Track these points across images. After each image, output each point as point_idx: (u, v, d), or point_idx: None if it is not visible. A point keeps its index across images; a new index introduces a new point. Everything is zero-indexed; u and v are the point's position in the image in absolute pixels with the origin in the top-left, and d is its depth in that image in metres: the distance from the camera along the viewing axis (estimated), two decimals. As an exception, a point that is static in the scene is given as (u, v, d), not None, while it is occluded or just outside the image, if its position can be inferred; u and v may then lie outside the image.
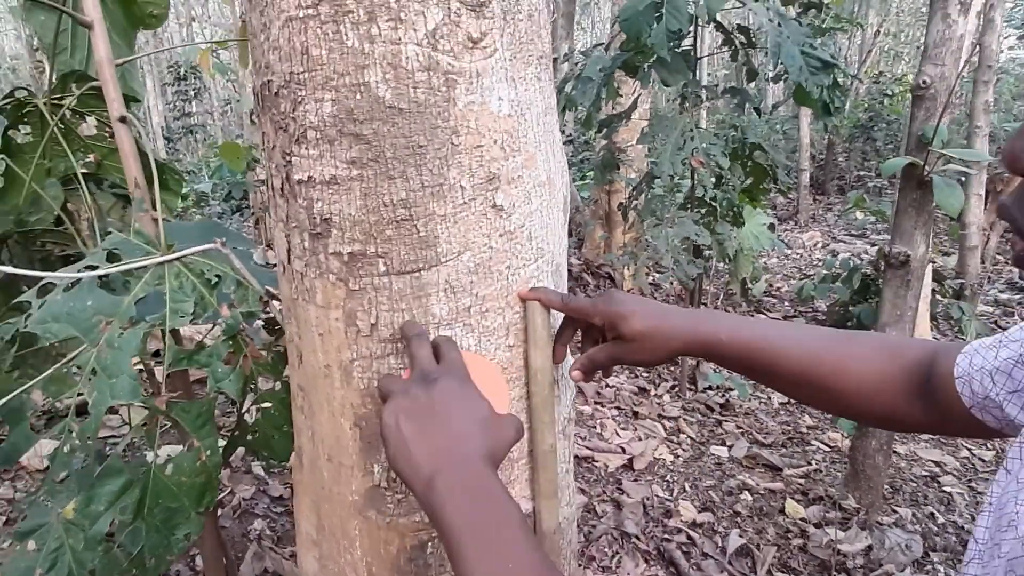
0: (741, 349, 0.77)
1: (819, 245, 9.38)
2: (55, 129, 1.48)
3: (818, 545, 2.57)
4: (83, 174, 1.54)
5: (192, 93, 12.62)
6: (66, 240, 1.43)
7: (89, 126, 1.76)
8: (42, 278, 0.88)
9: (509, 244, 0.80)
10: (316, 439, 0.88)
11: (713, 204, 3.71)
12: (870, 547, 2.57)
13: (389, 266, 0.75)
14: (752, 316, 5.72)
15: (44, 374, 0.91)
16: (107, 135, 1.60)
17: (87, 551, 1.15)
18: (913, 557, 2.54)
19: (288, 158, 0.77)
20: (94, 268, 0.92)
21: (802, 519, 2.75)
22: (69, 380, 0.89)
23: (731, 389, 4.17)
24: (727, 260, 4.29)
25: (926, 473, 3.33)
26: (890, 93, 12.23)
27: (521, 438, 0.74)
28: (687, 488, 2.97)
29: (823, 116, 3.25)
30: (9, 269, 0.90)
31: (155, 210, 1.08)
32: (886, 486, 2.99)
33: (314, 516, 0.98)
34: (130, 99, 1.40)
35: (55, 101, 1.49)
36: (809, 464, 3.28)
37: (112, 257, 0.96)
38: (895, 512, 2.87)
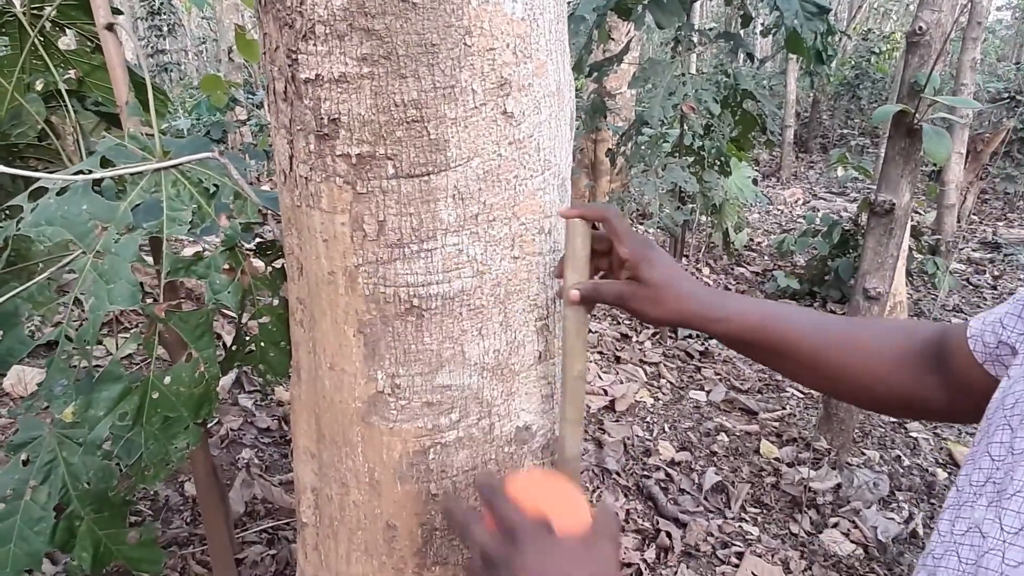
0: (755, 325, 0.75)
1: (800, 202, 9.45)
2: (35, 41, 1.42)
3: (790, 483, 2.67)
4: (64, 90, 1.49)
5: (166, 28, 12.13)
6: (49, 156, 1.39)
7: (70, 40, 1.69)
8: (35, 179, 0.85)
9: (518, 153, 0.80)
10: (317, 349, 0.88)
11: (701, 152, 3.70)
12: (839, 485, 2.67)
13: (398, 168, 0.74)
14: (733, 268, 5.78)
15: (37, 279, 0.89)
16: (88, 50, 1.54)
17: (81, 464, 1.15)
18: (880, 495, 2.65)
19: (294, 56, 0.75)
20: (88, 173, 0.89)
21: (776, 459, 2.85)
22: (62, 287, 0.87)
23: (710, 338, 4.24)
24: (711, 210, 4.30)
25: (894, 420, 3.45)
26: (877, 51, 12.18)
27: (616, 540, 0.67)
28: (666, 429, 3.04)
29: (816, 64, 3.22)
30: (6, 169, 0.87)
31: (147, 120, 1.05)
32: (856, 430, 3.09)
33: (313, 428, 0.99)
34: (115, 11, 1.35)
35: (35, 11, 1.43)
36: (784, 409, 3.38)
37: (105, 164, 0.94)
38: (864, 454, 2.98)
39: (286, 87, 0.79)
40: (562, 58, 0.85)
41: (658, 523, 2.37)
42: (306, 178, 0.80)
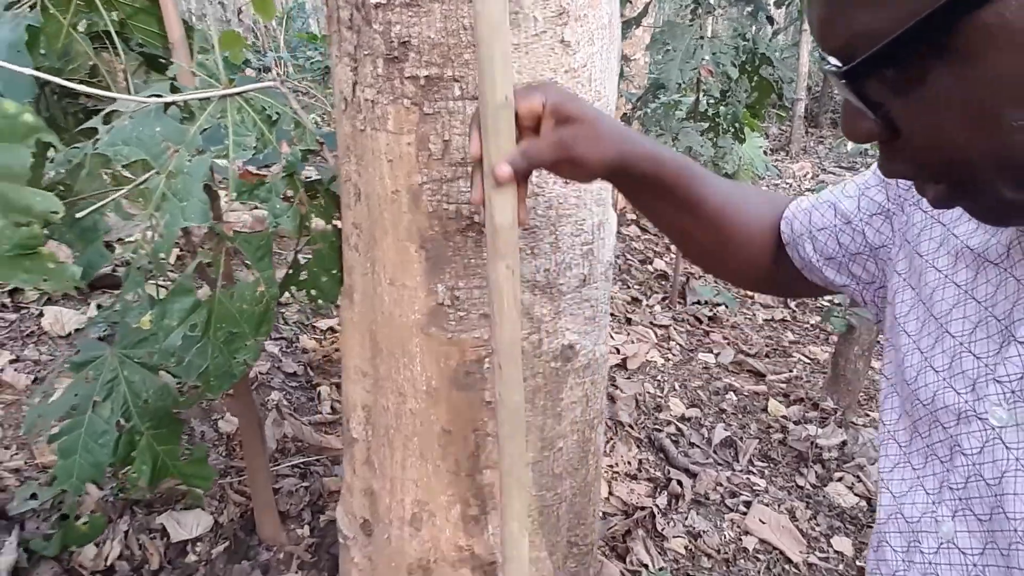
0: (680, 168, 0.69)
1: (809, 176, 9.43)
2: (82, -18, 1.46)
3: (797, 439, 2.74)
4: (107, 32, 1.53)
5: (173, -11, 11.98)
6: (99, 95, 1.43)
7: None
8: (113, 99, 0.90)
9: (572, 81, 0.84)
10: (376, 268, 0.94)
11: (716, 119, 3.72)
12: (844, 443, 2.75)
13: (464, 90, 0.79)
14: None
15: (114, 195, 0.95)
16: (131, -7, 1.58)
17: (142, 381, 1.22)
18: (883, 453, 2.72)
19: (365, -17, 0.79)
20: (159, 97, 0.94)
21: (783, 416, 2.92)
22: (141, 200, 0.93)
23: (719, 304, 4.30)
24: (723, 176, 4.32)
25: (898, 386, 3.51)
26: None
27: None
28: (676, 387, 3.12)
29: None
30: (85, 89, 0.92)
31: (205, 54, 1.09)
32: (862, 392, 3.16)
33: (366, 347, 1.06)
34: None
35: (82, -48, 1.46)
36: (790, 372, 3.45)
37: (173, 90, 0.99)
38: (868, 415, 3.05)
39: (352, 14, 0.83)
40: (613, -8, 0.89)
41: (669, 473, 2.45)
42: (372, 101, 0.85)
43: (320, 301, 1.11)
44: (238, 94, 0.97)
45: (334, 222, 1.09)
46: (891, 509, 0.58)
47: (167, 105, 0.95)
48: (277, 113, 0.99)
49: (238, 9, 8.93)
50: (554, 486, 1.02)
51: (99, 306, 2.23)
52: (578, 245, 0.92)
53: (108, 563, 1.54)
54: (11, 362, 1.94)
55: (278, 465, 1.90)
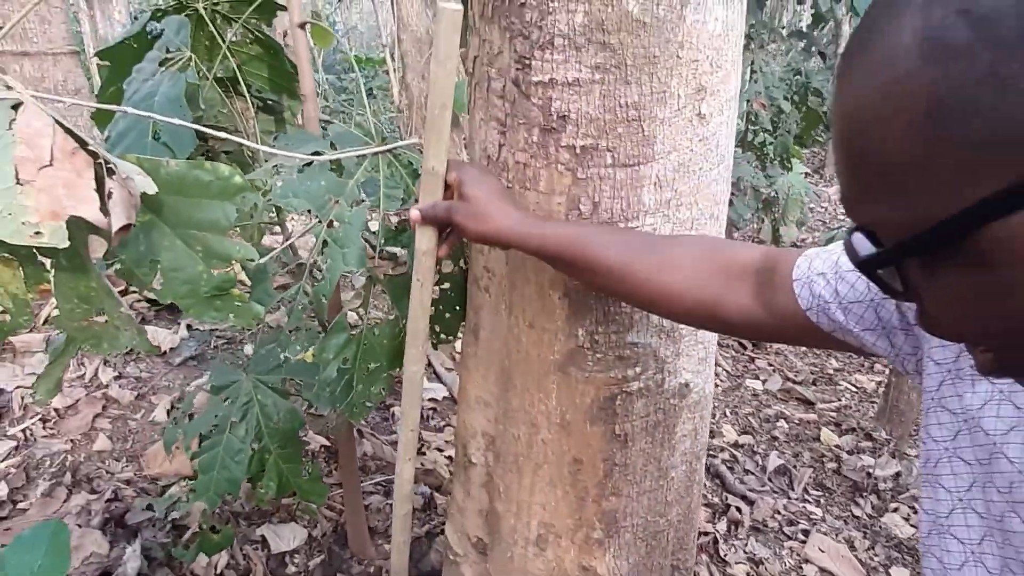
0: (570, 242, 0.80)
1: (844, 200, 9.42)
2: (209, 33, 1.60)
3: (851, 468, 2.78)
4: (224, 78, 1.66)
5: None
6: (265, 150, 1.56)
7: (234, 32, 1.88)
8: (275, 155, 1.02)
9: (704, 148, 0.94)
10: (514, 311, 1.03)
11: (764, 148, 3.80)
12: (899, 473, 2.78)
13: (615, 159, 0.89)
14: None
15: (283, 243, 1.06)
16: (248, 41, 1.72)
17: (273, 405, 1.33)
18: (938, 485, 2.75)
19: (525, 62, 0.89)
20: (321, 153, 1.06)
21: (836, 446, 2.96)
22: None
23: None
24: (764, 205, 4.39)
25: (946, 416, 3.52)
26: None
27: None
28: (727, 414, 3.17)
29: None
30: (250, 143, 1.03)
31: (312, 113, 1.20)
32: (913, 424, 3.19)
33: (490, 380, 1.15)
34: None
35: (213, 6, 1.60)
36: (839, 400, 3.48)
37: (333, 147, 1.10)
38: (920, 447, 3.08)
39: (505, 85, 0.94)
40: (739, 67, 0.99)
41: (727, 499, 2.51)
42: (523, 164, 0.95)
43: (442, 335, 1.21)
44: (389, 150, 1.08)
45: (460, 265, 1.19)
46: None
47: (328, 159, 1.06)
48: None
49: (284, 33, 9.24)
50: (665, 512, 1.10)
51: (188, 327, 2.36)
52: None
53: (217, 571, 1.65)
54: (115, 378, 2.07)
55: (363, 483, 2.00)
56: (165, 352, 2.22)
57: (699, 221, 0.98)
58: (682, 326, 1.01)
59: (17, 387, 1.95)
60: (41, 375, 1.24)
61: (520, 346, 1.04)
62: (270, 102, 1.83)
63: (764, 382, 3.61)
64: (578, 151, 0.89)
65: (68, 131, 0.79)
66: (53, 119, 0.78)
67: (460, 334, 1.25)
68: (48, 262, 0.98)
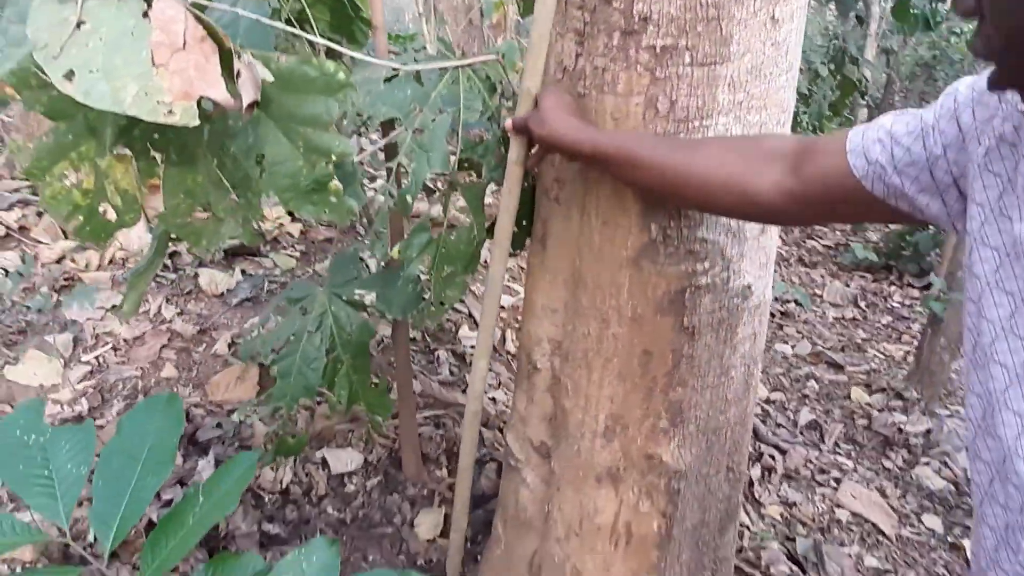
0: (621, 143, 0.90)
1: (871, 182, 9.37)
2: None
3: (882, 424, 2.83)
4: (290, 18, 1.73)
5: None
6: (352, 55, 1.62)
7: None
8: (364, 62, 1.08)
9: (775, 53, 0.99)
10: (587, 212, 1.10)
11: (796, 116, 3.81)
12: (929, 430, 2.82)
13: (693, 58, 0.95)
14: (805, 241, 5.85)
15: (369, 149, 1.13)
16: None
17: (347, 317, 1.41)
18: (969, 442, 2.79)
19: (609, -32, 0.95)
20: (405, 64, 1.13)
21: (867, 404, 3.01)
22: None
23: (788, 301, 4.38)
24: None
25: (975, 385, 3.55)
26: (959, 31, 11.79)
27: None
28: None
29: (922, 31, 3.30)
30: (338, 47, 1.09)
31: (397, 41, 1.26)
32: (944, 386, 3.22)
33: (558, 287, 1.22)
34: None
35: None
36: (869, 365, 3.52)
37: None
38: (951, 408, 3.11)
39: (586, -4, 0.99)
40: (809, -21, 1.04)
41: (760, 448, 2.57)
42: (602, 69, 1.01)
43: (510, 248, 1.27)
44: (468, 65, 1.15)
45: (526, 183, 1.25)
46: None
47: (409, 73, 1.13)
48: (499, 82, 1.16)
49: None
50: (725, 410, 1.17)
51: (243, 271, 2.45)
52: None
53: (283, 486, 1.74)
54: (178, 314, 2.17)
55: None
56: (222, 293, 2.31)
57: (767, 126, 1.04)
58: (746, 228, 1.07)
59: (88, 318, 2.05)
60: (127, 289, 1.33)
61: (592, 245, 1.10)
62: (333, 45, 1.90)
63: (793, 347, 3.65)
64: (658, 51, 0.95)
65: (198, 18, 0.86)
66: (185, 6, 0.85)
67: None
68: (159, 157, 1.05)
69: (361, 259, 1.47)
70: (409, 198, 1.11)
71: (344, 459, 1.86)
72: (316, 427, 1.92)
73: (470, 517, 1.68)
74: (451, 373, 2.41)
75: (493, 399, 2.37)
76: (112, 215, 1.14)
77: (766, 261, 1.14)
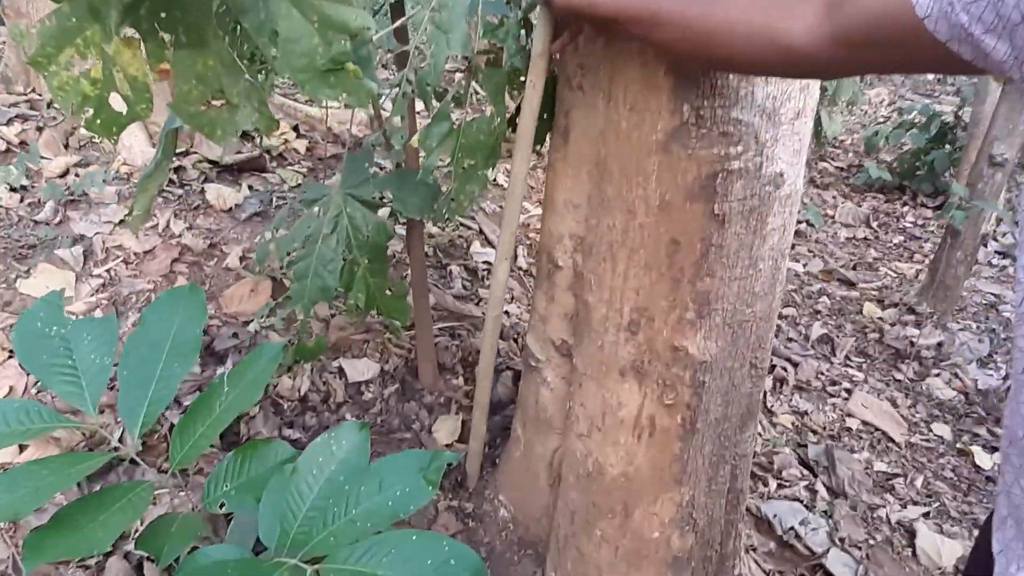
0: (631, 3, 0.84)
1: (885, 102, 9.12)
2: None
3: (894, 338, 2.83)
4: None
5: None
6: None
7: None
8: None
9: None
10: (613, 98, 1.05)
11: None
12: (941, 343, 2.82)
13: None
14: (816, 163, 5.74)
15: (384, 30, 1.07)
16: None
17: (362, 218, 1.38)
18: (980, 355, 2.80)
19: None
20: (420, -60, 1.05)
21: (879, 318, 3.00)
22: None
23: (800, 221, 4.33)
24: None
25: (986, 302, 3.54)
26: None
27: None
28: (770, 290, 3.21)
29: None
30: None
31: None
32: (956, 303, 3.21)
33: (581, 180, 1.18)
34: None
35: None
36: (881, 282, 3.50)
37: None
38: (964, 323, 3.11)
39: None
40: None
41: (772, 360, 2.58)
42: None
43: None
44: (487, -60, 1.07)
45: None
46: None
47: (423, -51, 1.06)
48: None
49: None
50: (752, 303, 1.15)
51: (250, 187, 2.41)
52: (795, 80, 1.02)
53: (301, 394, 1.76)
54: (187, 229, 2.14)
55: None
56: (230, 208, 2.28)
57: None
58: (781, 111, 1.03)
59: (96, 233, 2.03)
60: (137, 192, 1.29)
61: (619, 132, 1.06)
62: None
63: (805, 265, 3.62)
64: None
65: None
66: None
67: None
68: (169, 38, 1.00)
69: (376, 164, 1.42)
70: (429, 84, 1.06)
71: (361, 368, 1.87)
72: (331, 338, 1.92)
73: (488, 422, 1.70)
74: (464, 288, 2.40)
75: (507, 312, 2.37)
76: (123, 106, 1.09)
77: (799, 148, 1.10)
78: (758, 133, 1.01)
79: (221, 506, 0.91)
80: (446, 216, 1.20)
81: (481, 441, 1.64)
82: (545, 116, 1.24)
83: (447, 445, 1.75)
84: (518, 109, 1.22)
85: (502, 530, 1.56)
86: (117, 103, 1.05)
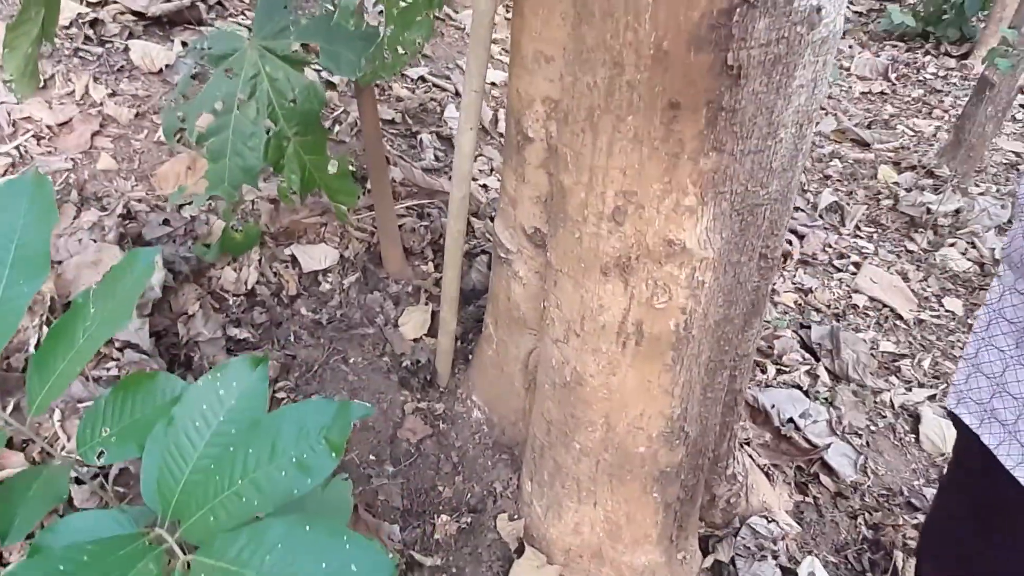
0: None
1: None
2: None
3: (909, 204, 2.61)
4: None
5: None
6: None
7: None
8: None
9: None
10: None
11: None
12: (959, 209, 2.60)
13: None
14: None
15: None
16: None
17: (286, 80, 1.11)
18: (999, 222, 2.59)
19: None
20: None
21: (894, 183, 2.76)
22: None
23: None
24: None
25: (1006, 161, 3.27)
26: None
27: None
28: (777, 153, 2.94)
29: None
30: None
31: None
32: (979, 163, 2.95)
33: (554, 24, 0.92)
34: None
35: None
36: (898, 142, 3.21)
37: None
38: (986, 185, 2.87)
39: None
40: None
41: (776, 233, 2.37)
42: None
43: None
44: None
45: None
46: None
47: None
48: None
49: None
50: (767, 183, 0.92)
51: (183, 43, 2.08)
52: None
53: (248, 287, 1.56)
54: (109, 96, 1.84)
55: (395, 206, 1.85)
56: (161, 70, 1.96)
57: None
58: None
59: (1, 102, 1.74)
60: (5, 51, 1.02)
61: (602, -47, 0.78)
62: None
63: (816, 123, 3.32)
64: None
65: None
66: None
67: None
68: None
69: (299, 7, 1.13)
70: None
71: (317, 256, 1.66)
72: (283, 221, 1.69)
73: (460, 314, 1.52)
74: (436, 158, 2.14)
75: (484, 186, 2.12)
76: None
77: None
78: (793, -51, 0.73)
79: (99, 456, 0.74)
80: (381, 74, 0.93)
81: (451, 336, 1.47)
82: (508, -64, 0.94)
83: (415, 340, 1.58)
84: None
85: (475, 433, 1.43)
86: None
